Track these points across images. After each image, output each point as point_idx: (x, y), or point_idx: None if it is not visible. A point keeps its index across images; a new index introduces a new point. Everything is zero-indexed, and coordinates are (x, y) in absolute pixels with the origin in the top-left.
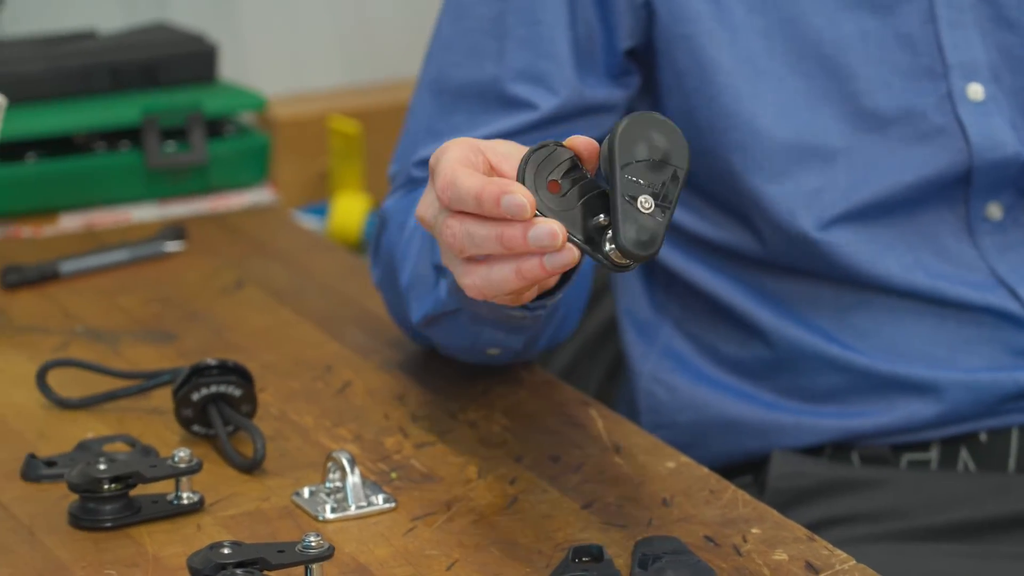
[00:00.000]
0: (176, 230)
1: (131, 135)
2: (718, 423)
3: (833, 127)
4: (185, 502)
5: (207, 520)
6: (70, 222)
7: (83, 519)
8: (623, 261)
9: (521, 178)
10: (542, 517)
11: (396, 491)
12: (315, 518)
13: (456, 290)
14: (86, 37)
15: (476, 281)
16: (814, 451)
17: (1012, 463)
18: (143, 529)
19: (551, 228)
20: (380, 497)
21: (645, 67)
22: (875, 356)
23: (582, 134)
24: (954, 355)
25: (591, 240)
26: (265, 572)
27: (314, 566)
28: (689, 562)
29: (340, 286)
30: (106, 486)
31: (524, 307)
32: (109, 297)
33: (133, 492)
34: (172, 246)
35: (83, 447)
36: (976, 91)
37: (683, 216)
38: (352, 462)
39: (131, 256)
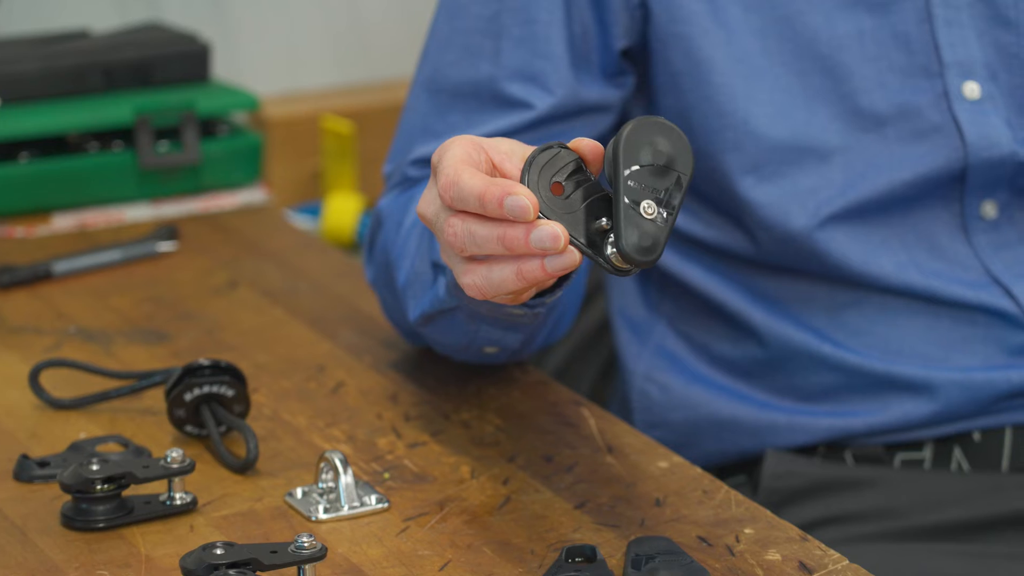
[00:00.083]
0: (169, 230)
1: (124, 135)
2: (711, 422)
3: (829, 126)
4: (178, 503)
5: (200, 521)
6: (63, 222)
7: (76, 520)
8: (624, 266)
9: (525, 179)
10: (535, 517)
11: (389, 491)
12: (308, 518)
13: (454, 288)
14: (79, 37)
15: (476, 280)
16: (807, 450)
17: (1005, 462)
18: (136, 530)
19: (553, 230)
20: (373, 497)
21: (640, 67)
22: (869, 355)
23: (578, 134)
24: (948, 354)
25: (593, 243)
26: (258, 573)
27: (307, 567)
28: (682, 562)
29: (333, 286)
30: (99, 487)
31: (524, 305)
32: (102, 297)
33: (126, 493)
34: (165, 246)
35: (76, 448)
36: (972, 89)
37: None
38: (345, 462)
39: (124, 256)
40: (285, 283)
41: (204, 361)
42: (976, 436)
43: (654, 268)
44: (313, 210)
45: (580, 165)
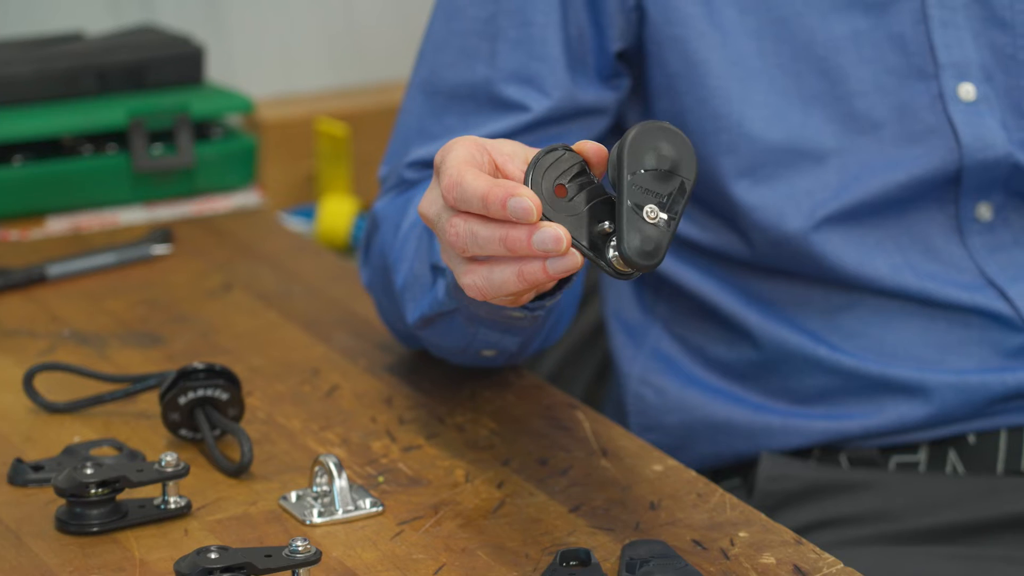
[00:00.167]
0: (163, 233)
1: (118, 138)
2: (706, 425)
3: (825, 128)
4: (172, 506)
5: (194, 524)
6: (57, 225)
7: (70, 524)
8: (626, 269)
9: (528, 180)
10: (529, 521)
11: (383, 495)
12: (302, 522)
13: (454, 290)
14: (73, 39)
15: (477, 281)
16: (802, 453)
17: (1000, 465)
18: (130, 534)
19: (556, 233)
20: (367, 501)
21: (636, 69)
22: (863, 357)
23: (574, 136)
24: (943, 356)
25: (595, 246)
26: None
27: (301, 571)
28: (677, 566)
29: (327, 289)
30: (93, 490)
31: (523, 308)
32: (96, 300)
33: (120, 496)
34: (159, 249)
35: (70, 451)
36: (967, 91)
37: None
38: (339, 466)
39: (118, 259)
40: (279, 286)
41: (198, 364)
42: (971, 439)
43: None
44: (307, 213)
45: (584, 168)
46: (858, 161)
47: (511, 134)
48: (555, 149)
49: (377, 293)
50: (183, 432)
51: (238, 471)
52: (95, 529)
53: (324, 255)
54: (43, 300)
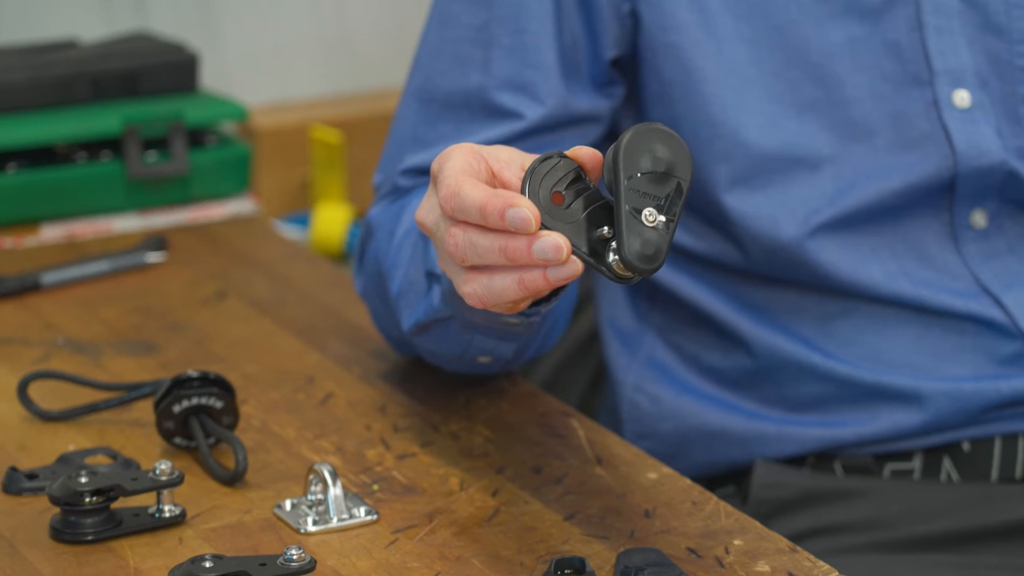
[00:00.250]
0: (157, 241)
1: (112, 145)
2: (701, 433)
3: (819, 135)
4: (167, 515)
5: (189, 533)
6: (51, 233)
7: (64, 532)
8: (626, 274)
9: (525, 189)
10: (524, 529)
11: (378, 503)
12: (297, 531)
13: (450, 296)
14: (67, 46)
15: (477, 290)
16: (797, 461)
17: (995, 473)
18: (125, 542)
19: (556, 242)
20: (362, 509)
21: (630, 77)
22: (858, 365)
23: (568, 144)
24: (938, 364)
25: (595, 252)
26: None
27: None
28: (671, 574)
29: (322, 297)
30: (87, 499)
31: (519, 314)
32: (90, 308)
33: (114, 505)
34: (153, 257)
35: (64, 460)
36: (962, 98)
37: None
38: (334, 474)
39: (112, 267)
40: (274, 294)
41: (193, 373)
42: (965, 446)
43: (644, 279)
44: (302, 220)
45: (579, 174)
46: (853, 168)
47: (505, 142)
48: (550, 157)
49: (372, 301)
50: (177, 440)
51: (233, 479)
52: (89, 538)
53: (318, 263)
54: (37, 308)
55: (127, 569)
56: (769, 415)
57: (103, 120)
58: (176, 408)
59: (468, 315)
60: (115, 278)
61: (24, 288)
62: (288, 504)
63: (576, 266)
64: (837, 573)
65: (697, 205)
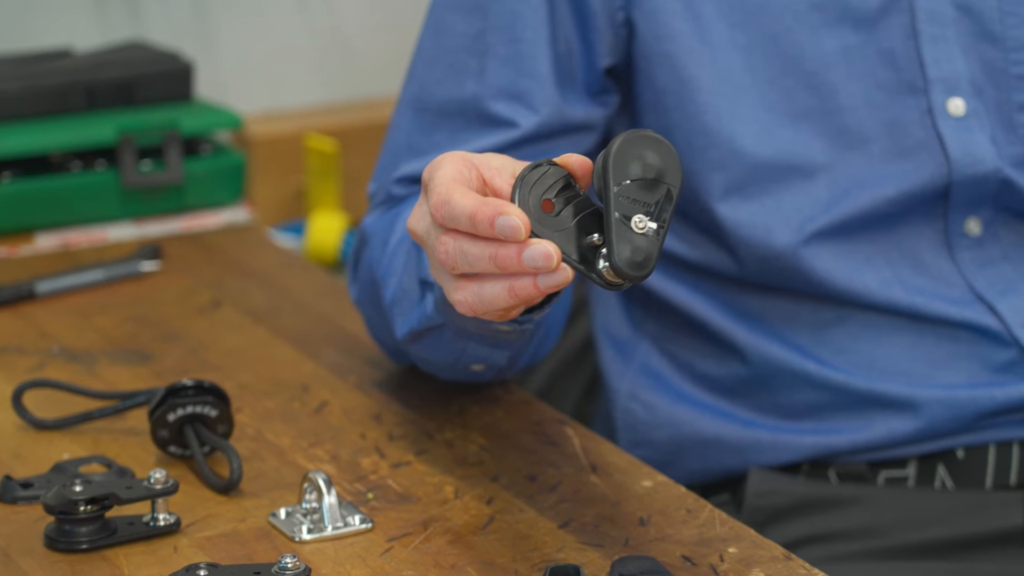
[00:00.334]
0: (152, 249)
1: (107, 154)
2: (695, 441)
3: (814, 143)
4: (161, 523)
5: (183, 542)
6: (46, 242)
7: (59, 541)
8: (617, 280)
9: (515, 197)
10: (519, 537)
11: (373, 511)
12: (292, 539)
13: (443, 304)
14: (61, 56)
15: (467, 297)
16: (791, 468)
17: (989, 480)
18: (119, 551)
19: (546, 250)
20: (357, 518)
21: (624, 85)
22: (852, 372)
23: (563, 152)
24: (932, 371)
25: (585, 259)
26: None
27: None
28: None
29: (317, 305)
30: (82, 508)
31: (512, 321)
32: (85, 317)
33: (109, 514)
34: (148, 266)
35: (59, 468)
36: (957, 106)
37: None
38: (328, 483)
39: (107, 276)
40: (269, 302)
41: (187, 381)
42: (960, 453)
43: (638, 287)
44: (297, 229)
45: (569, 181)
46: (847, 176)
47: (499, 150)
48: (540, 165)
49: (366, 309)
50: (172, 449)
51: (227, 488)
52: (84, 546)
53: (313, 271)
54: (32, 317)
55: None
56: (763, 423)
57: (98, 129)
58: (171, 417)
59: (460, 323)
60: (110, 287)
61: (19, 297)
62: (283, 512)
63: (566, 273)
64: None
65: (691, 214)
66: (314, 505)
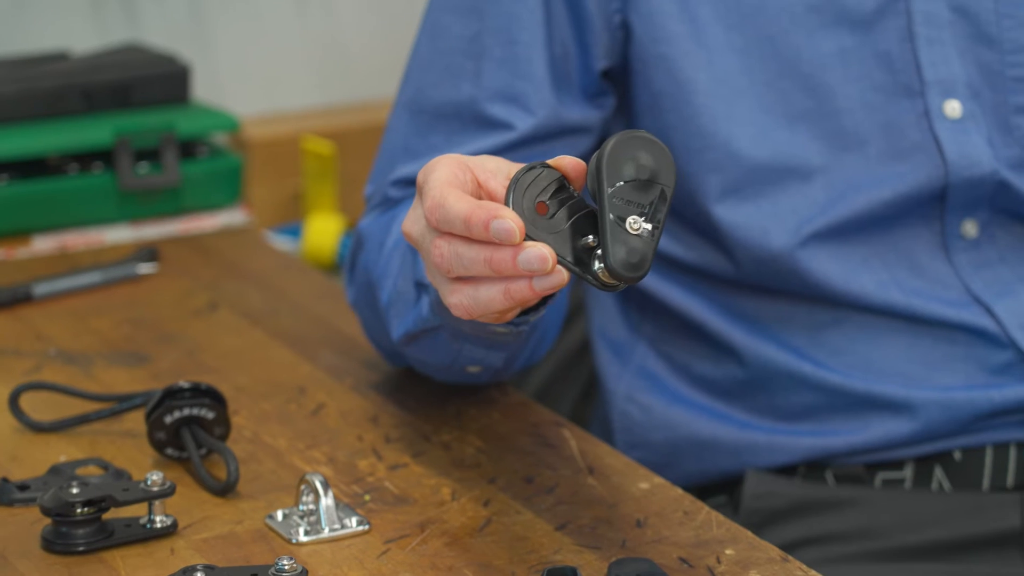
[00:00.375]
0: (149, 252)
1: (104, 157)
2: (692, 443)
3: (811, 145)
4: (158, 525)
5: (180, 544)
6: (43, 244)
7: (56, 543)
8: (612, 282)
9: (509, 200)
10: (516, 539)
11: (369, 513)
12: (288, 541)
13: (438, 306)
14: (58, 58)
15: (463, 300)
16: (788, 470)
17: (986, 482)
18: (116, 553)
19: (541, 252)
20: (353, 519)
21: (621, 87)
22: (849, 374)
23: (559, 155)
24: (929, 373)
25: (580, 261)
26: None
27: None
28: None
29: (314, 307)
30: (79, 510)
31: (508, 323)
32: (82, 319)
33: (106, 516)
34: (145, 268)
35: (56, 471)
36: (953, 108)
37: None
38: (325, 484)
39: (104, 278)
40: (266, 305)
41: (184, 383)
42: (957, 455)
43: (635, 289)
44: (294, 231)
45: (563, 183)
46: (844, 178)
47: (496, 152)
48: (534, 167)
49: (362, 311)
50: (169, 451)
51: (224, 490)
52: (81, 548)
53: (310, 273)
54: (29, 319)
55: None
56: (760, 424)
57: (95, 132)
58: (168, 419)
59: (456, 324)
60: (107, 289)
61: (16, 299)
62: (280, 514)
63: (562, 276)
64: None
65: (688, 215)
66: (311, 507)
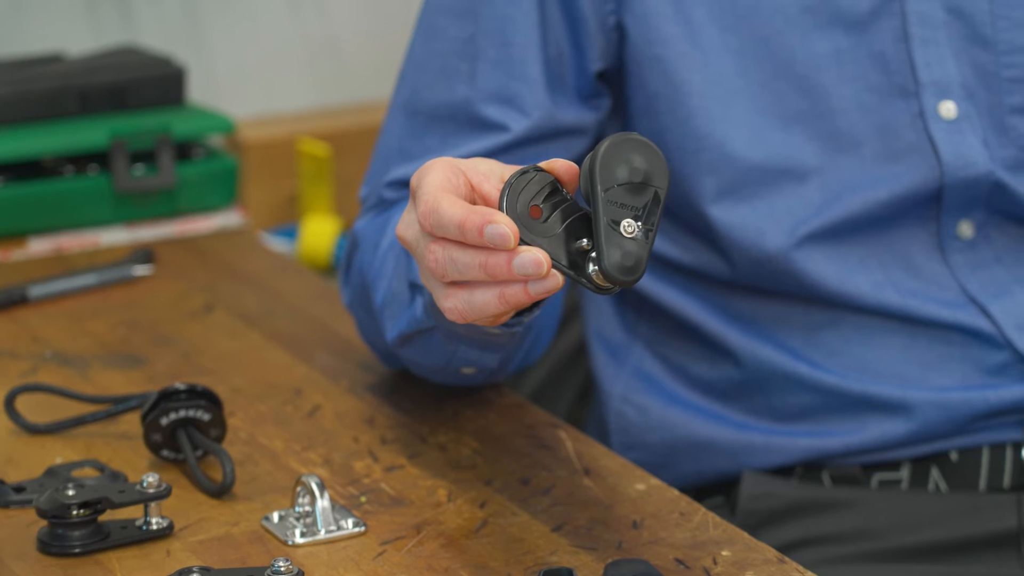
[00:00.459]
0: (145, 254)
1: (99, 158)
2: (688, 444)
3: (806, 147)
4: (154, 527)
5: (176, 545)
6: (38, 246)
7: (52, 545)
8: (607, 285)
9: (502, 205)
10: (512, 540)
11: (366, 515)
12: (284, 543)
13: (432, 308)
14: (53, 60)
15: (458, 304)
16: (784, 471)
17: (983, 482)
18: (112, 555)
19: (536, 257)
20: (350, 521)
21: (616, 89)
22: (845, 375)
23: (553, 156)
24: (925, 374)
25: (575, 265)
26: None
27: None
28: None
29: (309, 309)
30: (75, 512)
31: (502, 325)
32: (78, 321)
33: (102, 518)
34: (141, 270)
35: (52, 473)
36: (948, 109)
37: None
38: (321, 486)
39: (100, 280)
40: (261, 306)
41: (180, 385)
42: (953, 456)
43: (631, 290)
44: (289, 233)
45: (556, 186)
46: (839, 179)
47: (491, 154)
48: (527, 171)
49: (358, 312)
50: (165, 453)
51: (220, 492)
52: (77, 550)
53: (306, 275)
54: (25, 321)
55: None
56: (756, 425)
57: (90, 133)
58: (163, 421)
59: (450, 326)
60: (102, 291)
61: (11, 301)
62: (276, 516)
63: (557, 279)
64: None
65: (683, 217)
66: (307, 509)
